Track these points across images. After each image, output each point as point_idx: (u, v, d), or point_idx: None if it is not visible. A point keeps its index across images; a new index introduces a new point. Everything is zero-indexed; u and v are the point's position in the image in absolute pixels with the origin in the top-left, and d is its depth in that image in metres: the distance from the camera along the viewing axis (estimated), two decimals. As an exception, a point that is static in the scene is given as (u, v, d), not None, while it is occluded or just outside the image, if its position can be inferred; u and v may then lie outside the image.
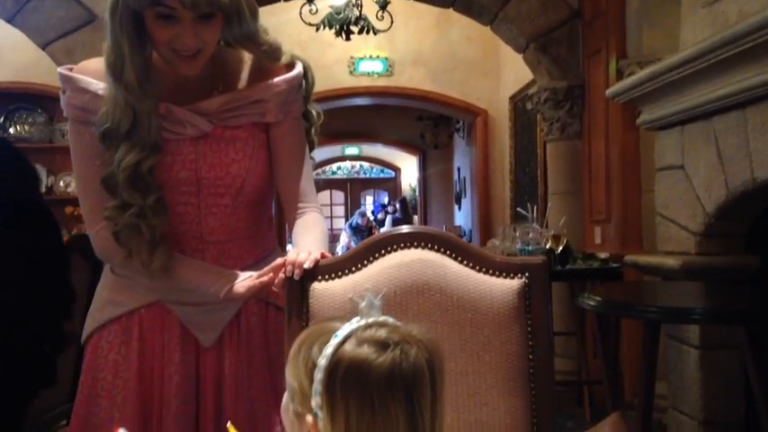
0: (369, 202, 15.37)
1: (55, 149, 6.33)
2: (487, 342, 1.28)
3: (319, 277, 1.34)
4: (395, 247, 1.34)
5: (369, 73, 6.75)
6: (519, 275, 1.31)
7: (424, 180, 10.85)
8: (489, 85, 6.78)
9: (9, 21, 4.19)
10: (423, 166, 10.85)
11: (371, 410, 0.83)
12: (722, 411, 2.70)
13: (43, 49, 4.24)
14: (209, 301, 1.42)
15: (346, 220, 15.13)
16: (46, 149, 6.32)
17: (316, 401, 0.85)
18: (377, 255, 1.35)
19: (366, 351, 0.84)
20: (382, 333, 0.87)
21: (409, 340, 0.86)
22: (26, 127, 6.38)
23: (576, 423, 3.70)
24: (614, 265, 3.51)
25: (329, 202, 15.34)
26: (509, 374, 1.28)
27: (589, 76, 4.33)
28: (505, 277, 1.32)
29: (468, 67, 6.75)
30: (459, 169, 8.92)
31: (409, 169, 13.20)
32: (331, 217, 15.32)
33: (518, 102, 6.09)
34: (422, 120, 9.15)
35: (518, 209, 4.10)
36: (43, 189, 6.32)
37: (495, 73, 6.75)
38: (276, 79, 1.44)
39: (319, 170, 14.78)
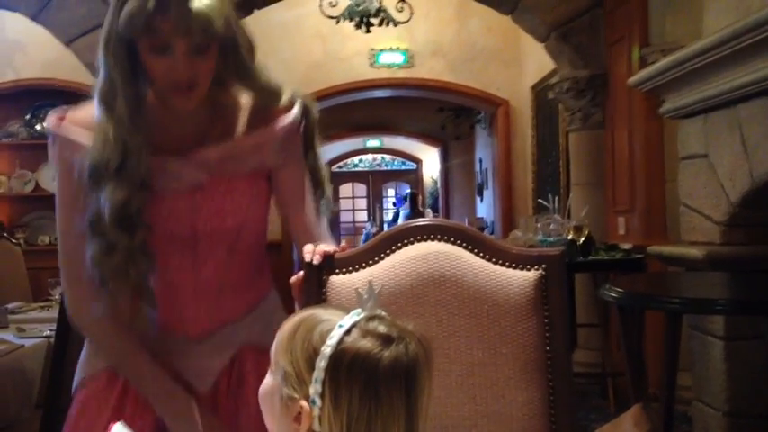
0: (390, 195, 15.36)
1: (80, 145, 6.41)
2: (504, 334, 1.28)
3: (337, 270, 1.34)
4: (411, 239, 1.34)
5: (389, 65, 6.73)
6: (536, 267, 1.31)
7: (445, 172, 10.82)
8: (510, 76, 6.73)
9: (33, 18, 4.25)
10: (444, 158, 10.82)
11: (376, 400, 0.86)
12: (747, 402, 2.67)
13: (67, 45, 4.29)
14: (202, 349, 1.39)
15: (368, 213, 15.16)
16: (71, 145, 6.40)
17: (315, 389, 0.87)
18: (393, 248, 1.35)
19: (371, 343, 0.87)
20: (384, 327, 0.89)
21: (408, 336, 0.89)
22: (51, 123, 6.45)
23: (600, 415, 3.67)
24: (637, 255, 3.48)
25: (351, 195, 15.35)
26: (526, 366, 1.28)
27: (611, 64, 4.28)
28: (522, 269, 1.31)
29: (488, 57, 6.71)
30: (480, 161, 8.88)
31: (431, 161, 13.17)
32: (353, 210, 15.34)
33: (540, 91, 6.04)
34: (443, 111, 9.11)
35: (539, 200, 4.08)
36: (69, 184, 6.40)
37: (516, 63, 6.70)
38: (275, 124, 1.37)
39: (341, 163, 14.80)
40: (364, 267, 1.35)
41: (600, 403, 3.93)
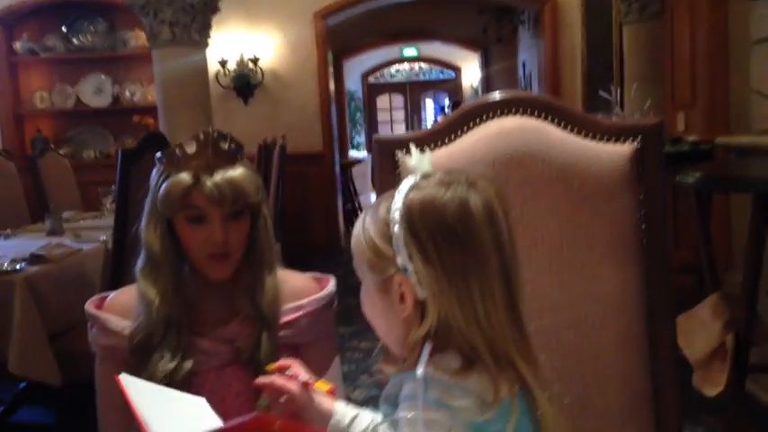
0: (429, 106, 15.10)
1: (118, 58, 6.34)
2: (597, 212, 1.19)
3: (419, 151, 1.25)
4: (491, 114, 1.25)
5: (428, -37, 6.44)
6: (631, 140, 1.20)
7: (486, 79, 10.52)
8: (558, -30, 6.39)
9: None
10: (485, 64, 10.50)
11: (459, 241, 0.86)
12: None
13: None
14: None
15: (406, 125, 14.95)
16: (109, 59, 6.33)
17: (402, 257, 0.87)
18: (471, 124, 1.26)
19: (434, 190, 0.88)
20: (441, 176, 0.91)
21: (471, 177, 0.90)
22: (88, 37, 6.36)
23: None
24: (705, 147, 3.33)
25: (388, 107, 15.13)
26: (621, 246, 1.19)
27: (672, -52, 4.00)
28: (615, 142, 1.21)
29: (534, -49, 6.36)
30: (524, 64, 8.58)
31: (470, 69, 12.82)
32: (391, 122, 15.14)
33: (590, -15, 5.73)
34: (483, 13, 8.76)
35: (600, 92, 3.90)
36: (109, 99, 6.37)
37: (563, -44, 6.34)
38: (305, 300, 1.34)
39: (377, 73, 14.52)
40: (440, 146, 1.26)
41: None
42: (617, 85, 4.98)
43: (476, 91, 12.50)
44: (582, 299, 1.20)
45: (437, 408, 0.83)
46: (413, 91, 15.10)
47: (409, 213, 0.88)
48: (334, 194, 6.86)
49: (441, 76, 14.77)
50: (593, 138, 1.22)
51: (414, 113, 15.15)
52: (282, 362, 1.04)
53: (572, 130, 1.22)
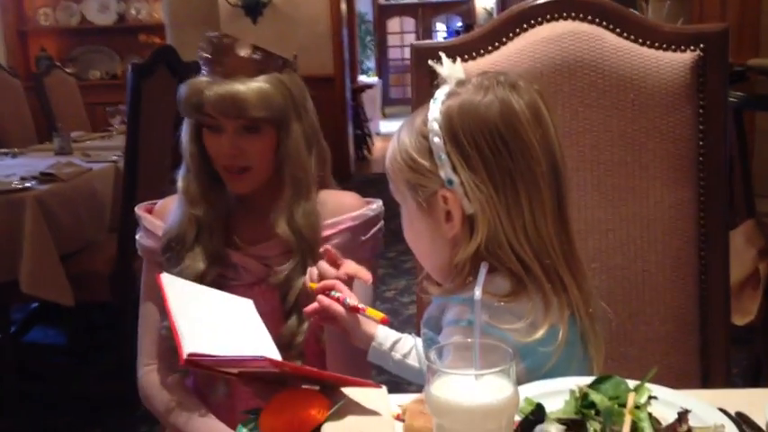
0: (441, 29, 14.72)
1: (122, -27, 6.11)
2: (652, 127, 1.10)
3: (450, 60, 1.15)
4: (540, 19, 1.15)
5: None
6: (692, 48, 1.10)
7: (501, 1, 10.20)
8: None
9: None
10: (501, -15, 10.16)
11: (504, 144, 0.80)
12: None
13: None
14: None
15: (417, 48, 14.58)
16: (113, -26, 6.11)
17: (445, 169, 0.82)
18: (518, 30, 1.16)
19: (472, 94, 0.83)
20: (478, 80, 0.84)
21: (510, 78, 0.84)
22: (91, -49, 6.12)
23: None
24: (737, 68, 3.19)
25: (399, 30, 14.75)
26: (676, 163, 1.11)
27: None
28: (675, 50, 1.11)
29: None
30: (541, -14, 8.29)
31: (484, -9, 12.44)
32: (402, 46, 14.77)
33: None
34: (501, -69, 8.41)
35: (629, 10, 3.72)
36: (114, 17, 6.18)
37: None
38: (342, 216, 1.25)
39: (388, -6, 14.11)
40: (483, 55, 1.17)
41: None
42: (640, 5, 4.78)
43: (489, 14, 12.16)
44: (631, 221, 1.12)
45: (486, 332, 0.77)
46: (425, 13, 14.68)
47: (449, 121, 0.82)
48: (344, 119, 6.73)
49: (453, -1, 14.34)
50: (651, 45, 1.11)
51: (425, 37, 14.78)
52: (325, 283, 0.97)
53: (628, 37, 1.12)
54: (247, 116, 1.16)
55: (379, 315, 0.95)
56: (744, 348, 2.40)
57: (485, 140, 0.81)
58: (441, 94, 0.86)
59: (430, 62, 0.91)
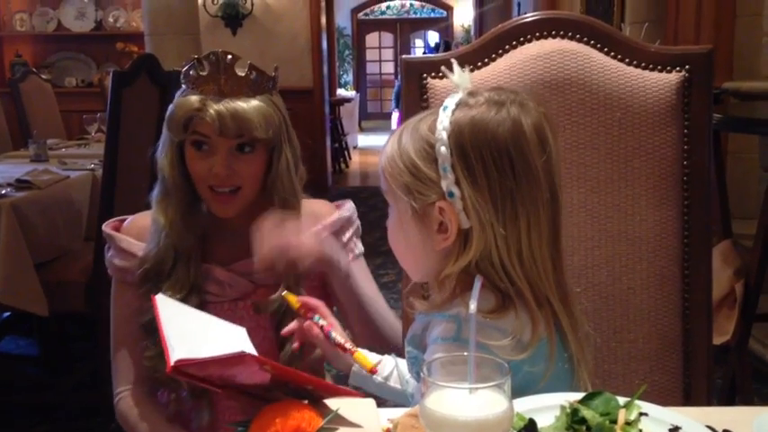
0: (419, 45, 14.80)
1: (101, -19, 6.08)
2: (638, 146, 1.12)
3: (440, 73, 1.16)
4: (529, 36, 1.15)
5: None
6: (678, 68, 1.12)
7: (479, 18, 10.30)
8: None
9: None
10: (479, 3, 10.26)
11: (511, 165, 0.80)
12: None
13: None
14: None
15: (395, 64, 14.68)
16: (92, -19, 6.07)
17: (447, 181, 0.81)
18: (507, 46, 1.16)
19: (485, 109, 0.82)
20: (489, 95, 0.84)
21: (521, 97, 0.84)
22: (70, -43, 6.08)
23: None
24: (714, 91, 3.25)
25: (378, 45, 14.82)
26: (661, 182, 1.12)
27: None
28: (661, 71, 1.12)
29: None
30: (519, 4, 8.38)
31: (462, 8, 12.56)
32: (380, 61, 14.86)
33: None
34: (481, -50, 8.51)
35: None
36: (92, 24, 6.13)
37: None
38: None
39: (367, 10, 14.17)
40: (472, 71, 1.17)
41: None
42: (617, 27, 4.85)
43: (467, 31, 12.27)
44: (617, 238, 1.13)
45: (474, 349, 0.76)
46: (403, 29, 14.78)
47: (458, 132, 0.81)
48: (323, 132, 6.72)
49: (432, 15, 14.46)
50: (638, 65, 1.13)
51: (403, 53, 14.86)
52: (308, 299, 0.97)
53: (615, 56, 1.13)
54: (249, 135, 1.15)
55: (369, 364, 0.94)
56: (719, 368, 2.43)
57: (492, 158, 0.80)
58: (451, 102, 0.84)
59: (443, 68, 0.90)
